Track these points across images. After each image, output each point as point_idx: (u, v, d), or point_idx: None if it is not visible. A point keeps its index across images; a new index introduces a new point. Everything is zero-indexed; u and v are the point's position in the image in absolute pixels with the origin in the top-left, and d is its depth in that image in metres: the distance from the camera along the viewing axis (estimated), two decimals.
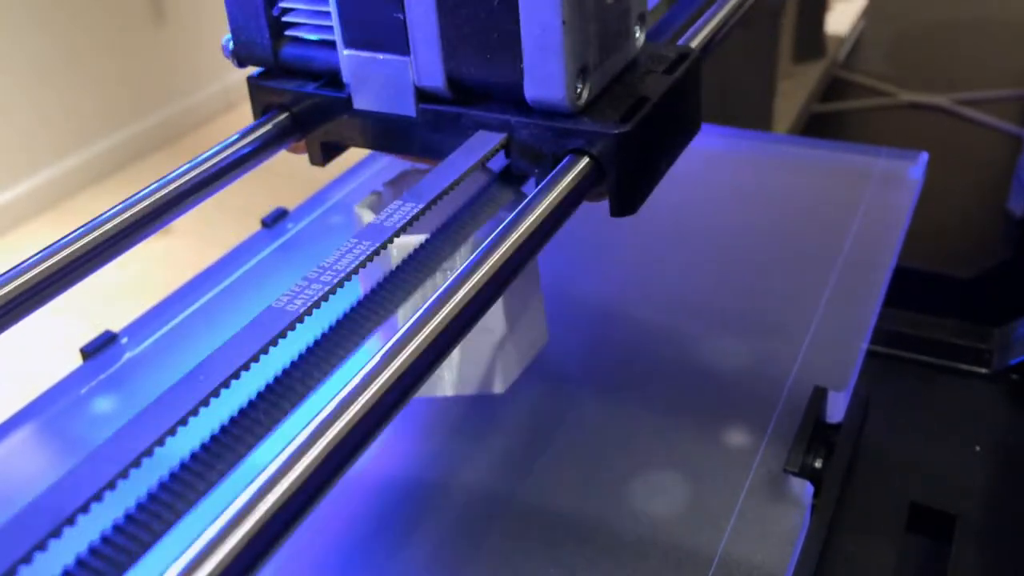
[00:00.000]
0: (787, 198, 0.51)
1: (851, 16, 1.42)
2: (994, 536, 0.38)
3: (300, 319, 0.23)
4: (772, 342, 0.41)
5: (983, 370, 0.47)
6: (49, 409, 0.40)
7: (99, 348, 0.43)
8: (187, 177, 0.32)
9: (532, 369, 0.39)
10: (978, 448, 0.43)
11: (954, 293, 0.74)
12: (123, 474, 0.19)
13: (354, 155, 0.37)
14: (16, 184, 1.77)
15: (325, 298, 0.24)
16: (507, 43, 0.29)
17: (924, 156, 0.52)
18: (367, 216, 0.36)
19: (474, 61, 0.30)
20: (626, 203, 0.31)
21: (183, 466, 0.20)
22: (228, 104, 2.16)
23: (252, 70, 0.35)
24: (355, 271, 0.25)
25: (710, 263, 0.47)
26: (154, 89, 2.00)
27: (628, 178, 0.30)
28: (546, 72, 0.29)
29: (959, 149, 1.12)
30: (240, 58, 0.35)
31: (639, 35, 0.33)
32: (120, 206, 0.30)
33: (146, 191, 0.31)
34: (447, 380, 0.38)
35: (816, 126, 1.19)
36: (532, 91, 0.29)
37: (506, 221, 0.27)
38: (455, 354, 0.37)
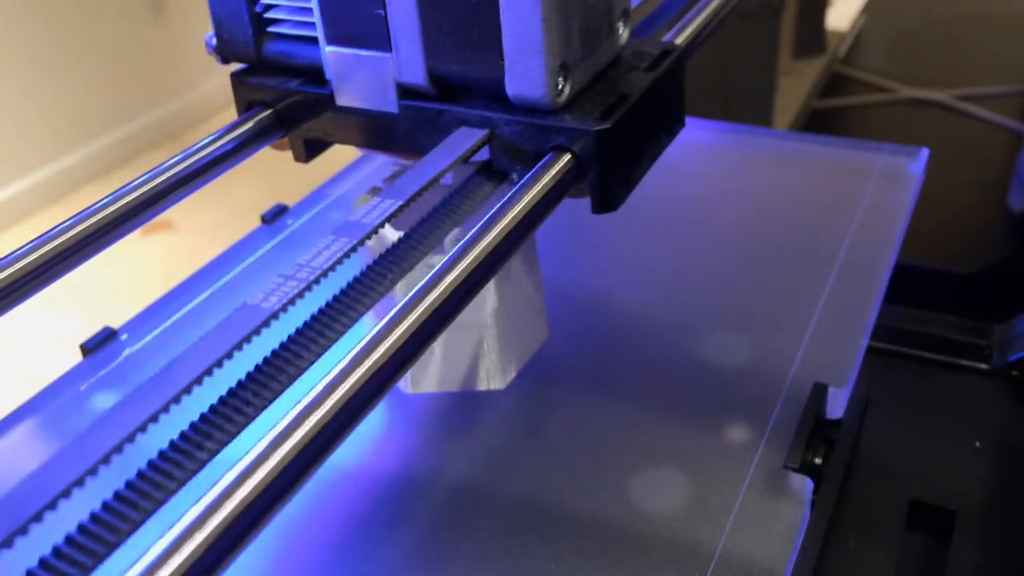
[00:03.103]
0: (787, 194, 0.51)
1: (852, 12, 1.42)
2: (994, 532, 0.38)
3: (275, 315, 0.23)
4: (772, 338, 0.41)
5: (983, 366, 0.47)
6: (49, 405, 0.40)
7: (99, 344, 0.43)
8: (169, 173, 0.32)
9: (532, 365, 0.39)
10: (978, 444, 0.43)
11: (954, 289, 0.74)
12: (93, 470, 0.19)
13: (353, 151, 0.37)
14: (18, 180, 1.76)
15: (301, 295, 0.24)
16: (488, 39, 0.29)
17: (925, 152, 0.52)
18: None
19: (456, 57, 0.30)
20: (607, 200, 0.30)
21: (151, 464, 0.20)
22: (229, 99, 2.14)
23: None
24: (332, 268, 0.25)
25: (711, 259, 0.47)
26: (155, 85, 1.99)
27: (609, 175, 0.30)
28: (527, 69, 0.29)
29: (960, 145, 1.12)
30: (223, 54, 0.35)
31: (623, 31, 0.32)
32: (101, 203, 0.30)
33: (129, 186, 0.31)
34: (448, 376, 0.38)
35: (817, 122, 1.19)
36: (513, 88, 0.29)
37: (484, 219, 0.27)
38: (456, 350, 0.37)
